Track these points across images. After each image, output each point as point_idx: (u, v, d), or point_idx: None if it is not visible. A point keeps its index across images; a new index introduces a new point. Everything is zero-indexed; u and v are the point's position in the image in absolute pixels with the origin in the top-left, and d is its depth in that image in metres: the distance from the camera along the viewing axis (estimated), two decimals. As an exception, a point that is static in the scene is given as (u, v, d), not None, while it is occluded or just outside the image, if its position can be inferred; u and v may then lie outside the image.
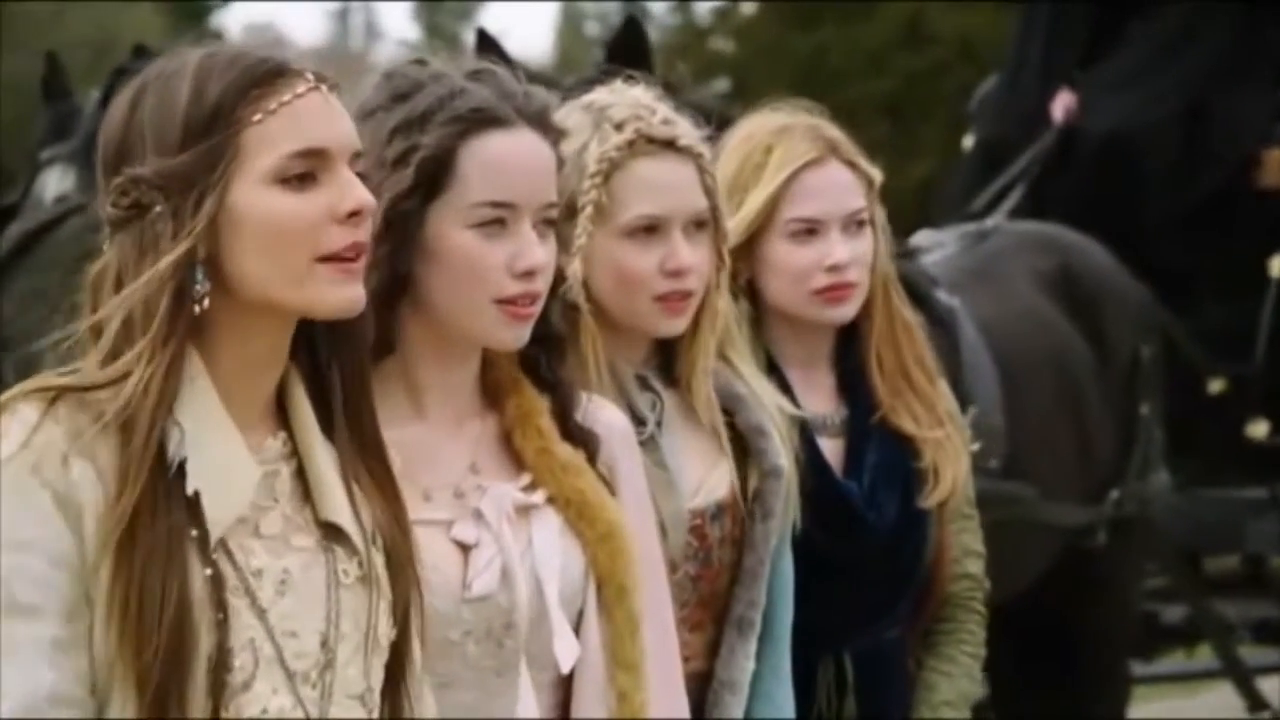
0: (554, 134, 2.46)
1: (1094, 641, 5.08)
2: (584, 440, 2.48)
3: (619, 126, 2.77)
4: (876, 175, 3.14)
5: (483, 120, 2.42)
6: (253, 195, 2.01)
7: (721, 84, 16.50)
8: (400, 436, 2.36)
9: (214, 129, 2.01)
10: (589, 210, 2.74)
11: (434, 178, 2.39)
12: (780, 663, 2.87)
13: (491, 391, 2.48)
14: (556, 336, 2.51)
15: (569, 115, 2.78)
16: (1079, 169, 5.78)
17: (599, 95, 2.84)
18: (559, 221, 2.47)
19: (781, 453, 2.87)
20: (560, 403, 2.48)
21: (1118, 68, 5.94)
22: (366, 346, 2.17)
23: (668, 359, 2.87)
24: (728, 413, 2.87)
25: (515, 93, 2.44)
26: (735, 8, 20.85)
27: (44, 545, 1.95)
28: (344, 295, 2.05)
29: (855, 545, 3.05)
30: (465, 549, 2.39)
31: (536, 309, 2.41)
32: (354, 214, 2.04)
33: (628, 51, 4.27)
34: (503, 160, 2.41)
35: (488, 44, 4.40)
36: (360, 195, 2.04)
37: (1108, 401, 4.95)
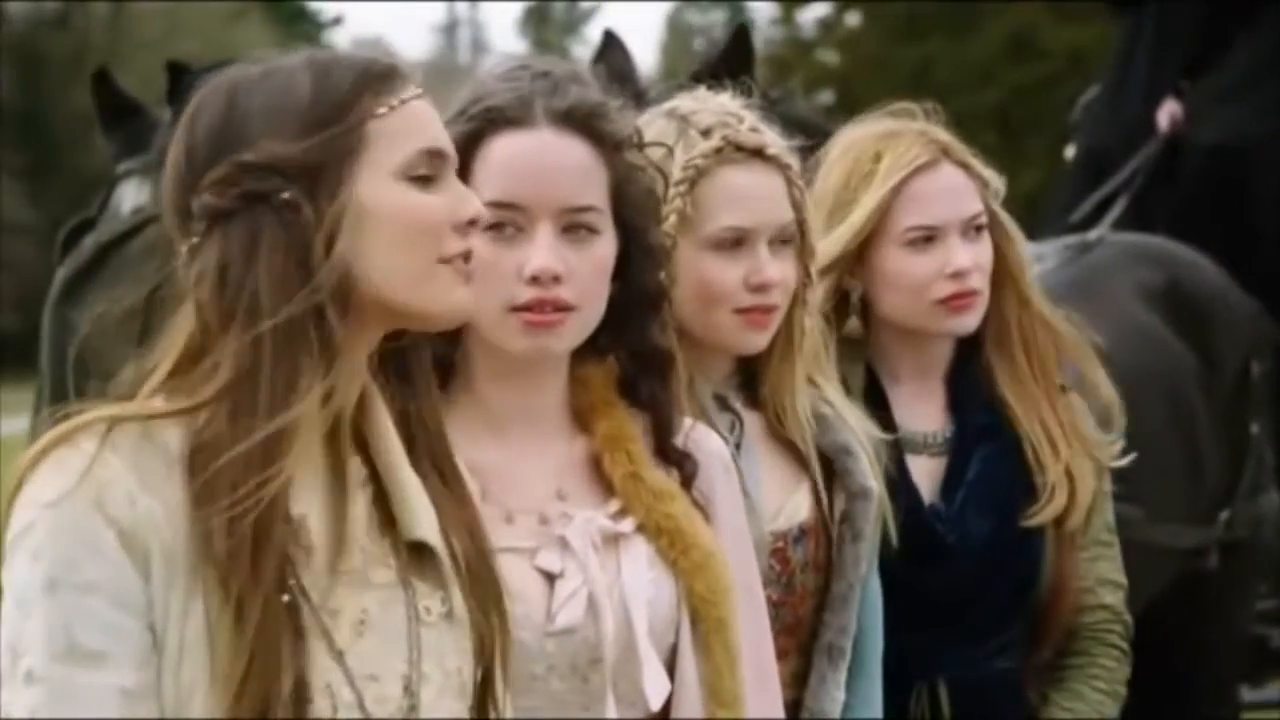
0: (593, 135, 2.34)
1: (1202, 666, 4.97)
2: (679, 463, 2.37)
3: (705, 133, 2.67)
4: (992, 177, 3.02)
5: (495, 120, 2.33)
6: (382, 188, 1.92)
7: (826, 96, 16.43)
8: (477, 459, 2.28)
9: (341, 118, 1.92)
10: (672, 219, 2.63)
11: None
12: (871, 692, 2.75)
13: (583, 414, 2.38)
14: (658, 355, 2.39)
15: (651, 122, 2.68)
16: (1185, 180, 5.65)
17: (682, 102, 2.74)
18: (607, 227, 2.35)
19: (870, 473, 2.75)
20: (658, 423, 2.37)
21: (1224, 78, 5.81)
22: (430, 368, 2.07)
23: (748, 379, 2.77)
24: (812, 434, 2.76)
25: (545, 92, 2.34)
26: (840, 20, 20.76)
27: (110, 588, 1.83)
28: (461, 298, 1.97)
29: (939, 569, 2.93)
30: (550, 578, 2.28)
31: (563, 318, 2.29)
32: (471, 222, 1.98)
33: (735, 60, 4.18)
34: (508, 160, 2.32)
35: (612, 45, 4.34)
36: (477, 204, 1.99)
37: (1217, 420, 4.82)
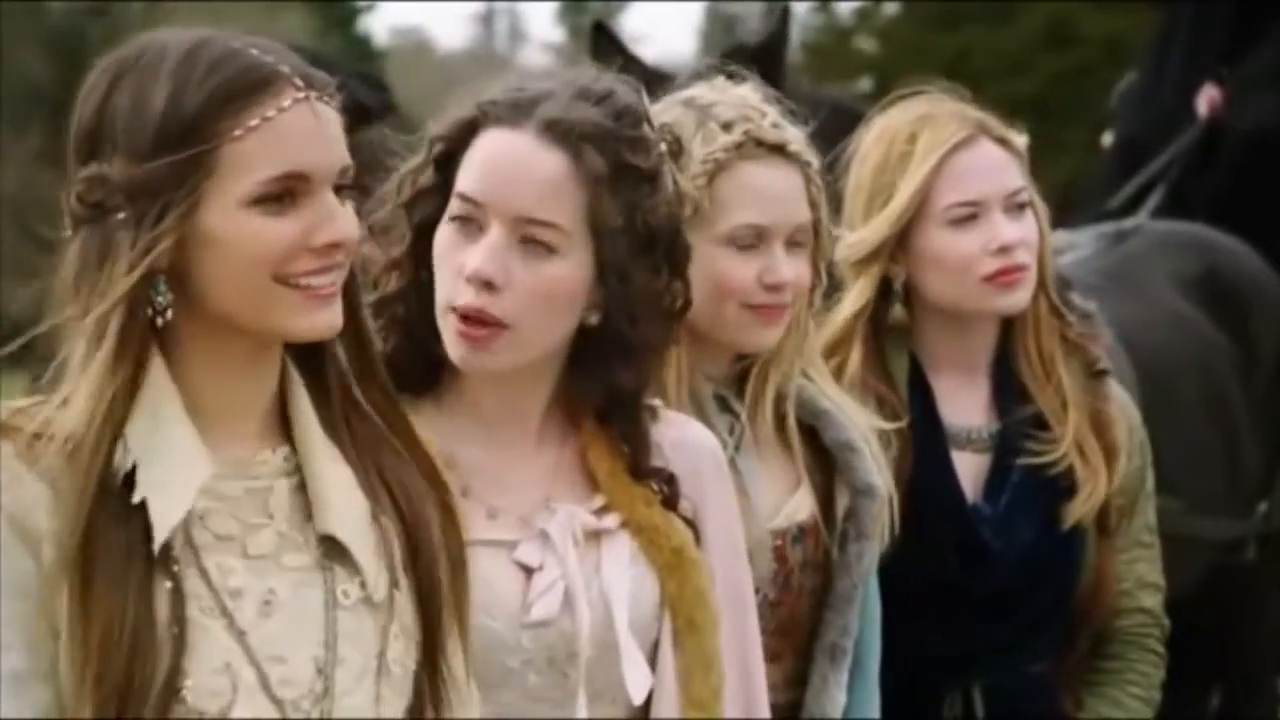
0: (576, 153, 2.24)
1: (1241, 659, 4.93)
2: (661, 485, 2.31)
3: (726, 126, 2.60)
4: (1021, 144, 2.94)
5: (488, 114, 2.27)
6: (225, 217, 1.90)
7: (864, 84, 16.40)
8: (463, 456, 2.26)
9: (188, 141, 1.88)
10: (688, 213, 2.55)
11: (444, 173, 2.29)
12: (869, 694, 2.70)
13: (575, 411, 2.34)
14: (622, 397, 2.31)
15: (666, 110, 2.61)
16: (1224, 167, 5.59)
17: (701, 91, 2.67)
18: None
19: (874, 470, 2.68)
20: (631, 453, 2.31)
21: (1263, 63, 5.75)
22: (369, 336, 2.04)
23: (744, 377, 2.69)
24: (813, 430, 2.70)
25: (547, 98, 2.26)
26: (877, 8, 20.71)
27: (1, 573, 1.84)
28: (313, 322, 1.93)
29: (982, 574, 2.87)
30: (528, 571, 2.25)
31: (491, 334, 2.23)
32: (334, 245, 1.93)
33: (768, 48, 4.13)
34: (482, 156, 2.27)
35: (606, 38, 4.31)
36: (339, 229, 1.93)
37: (1256, 410, 4.78)
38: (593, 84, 2.31)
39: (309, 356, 2.02)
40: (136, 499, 1.87)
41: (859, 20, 21.06)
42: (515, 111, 2.26)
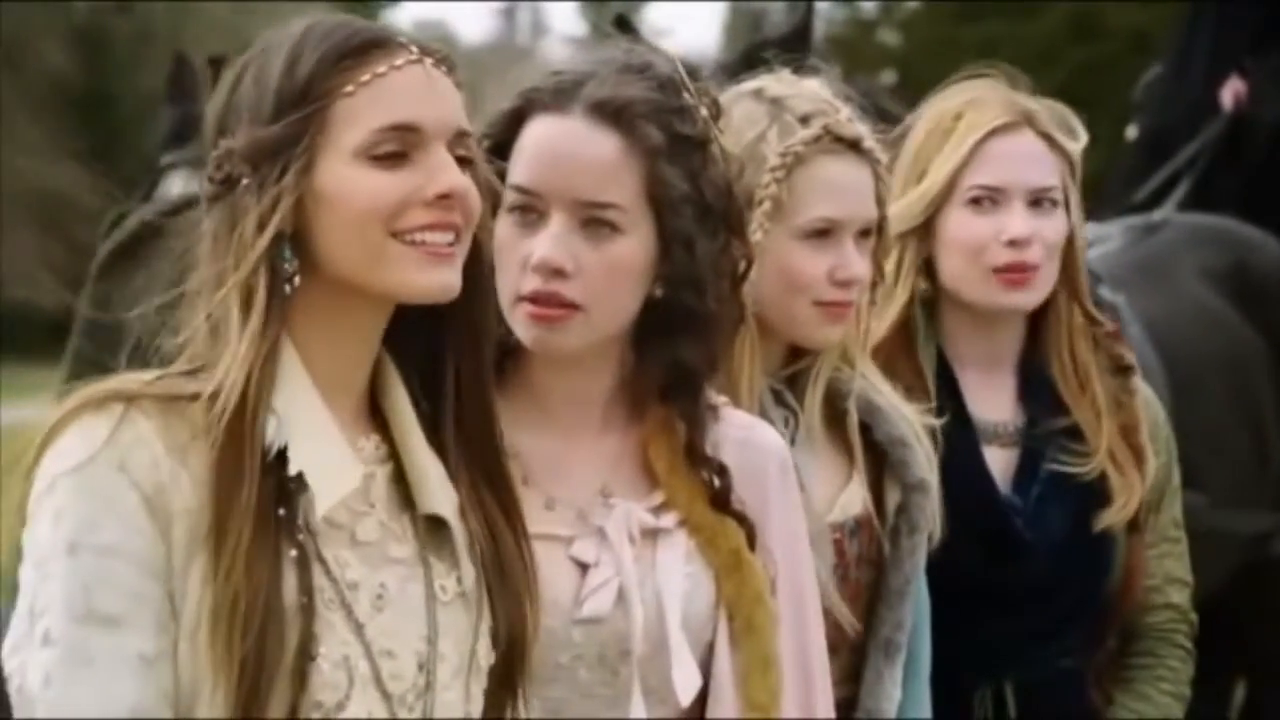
0: (629, 131, 2.22)
1: (1265, 653, 4.91)
2: (714, 474, 2.29)
3: (804, 120, 2.60)
4: (1075, 149, 2.90)
5: (534, 102, 2.25)
6: (339, 170, 1.90)
7: (888, 76, 16.39)
8: (525, 445, 2.24)
9: (304, 101, 1.90)
10: (766, 205, 2.57)
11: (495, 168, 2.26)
12: (921, 692, 2.69)
13: (641, 400, 2.30)
14: (684, 372, 2.29)
15: (736, 102, 2.60)
16: (1250, 159, 5.57)
17: (769, 84, 2.66)
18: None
19: (926, 466, 2.67)
20: (688, 433, 2.29)
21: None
22: (488, 341, 2.04)
23: (799, 371, 2.68)
24: (865, 425, 2.69)
25: (591, 79, 2.24)
26: (900, 2, 20.71)
27: (132, 551, 1.82)
28: (429, 279, 1.92)
29: (1015, 566, 2.84)
30: (583, 567, 2.23)
31: (565, 314, 2.21)
32: (443, 197, 1.92)
33: (792, 42, 4.14)
34: (534, 145, 2.25)
35: (627, 32, 4.30)
36: (450, 179, 1.93)
37: (1284, 403, 4.76)
38: (631, 59, 2.30)
39: (421, 358, 2.01)
40: (293, 471, 1.87)
41: (882, 14, 21.07)
42: (560, 97, 2.25)
